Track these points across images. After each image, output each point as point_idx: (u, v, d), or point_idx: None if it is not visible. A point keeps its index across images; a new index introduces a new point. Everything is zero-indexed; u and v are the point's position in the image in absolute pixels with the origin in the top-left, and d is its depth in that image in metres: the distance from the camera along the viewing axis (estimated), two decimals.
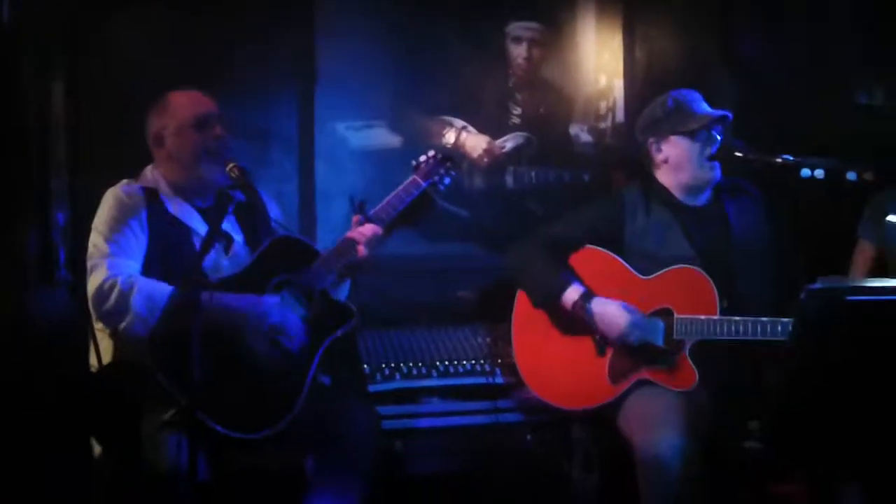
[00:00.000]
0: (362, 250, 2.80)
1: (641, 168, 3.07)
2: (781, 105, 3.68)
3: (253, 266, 2.75)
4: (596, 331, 2.89)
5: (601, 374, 2.90)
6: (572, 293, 2.88)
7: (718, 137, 2.93)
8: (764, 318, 2.72)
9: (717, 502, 2.72)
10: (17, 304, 3.02)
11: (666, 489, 2.59)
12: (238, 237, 2.86)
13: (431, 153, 3.07)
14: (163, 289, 2.60)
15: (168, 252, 2.71)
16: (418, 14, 3.71)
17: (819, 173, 2.78)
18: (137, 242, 2.70)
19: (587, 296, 2.87)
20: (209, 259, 2.74)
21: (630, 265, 2.93)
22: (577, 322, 2.91)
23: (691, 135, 2.92)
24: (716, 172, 2.94)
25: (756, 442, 2.69)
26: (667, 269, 2.88)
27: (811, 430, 2.02)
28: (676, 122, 2.94)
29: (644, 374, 2.85)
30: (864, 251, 3.09)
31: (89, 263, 2.67)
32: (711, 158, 2.92)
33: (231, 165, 2.65)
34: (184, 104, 2.79)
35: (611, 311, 2.85)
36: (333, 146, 3.65)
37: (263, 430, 2.59)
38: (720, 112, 2.93)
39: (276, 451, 2.69)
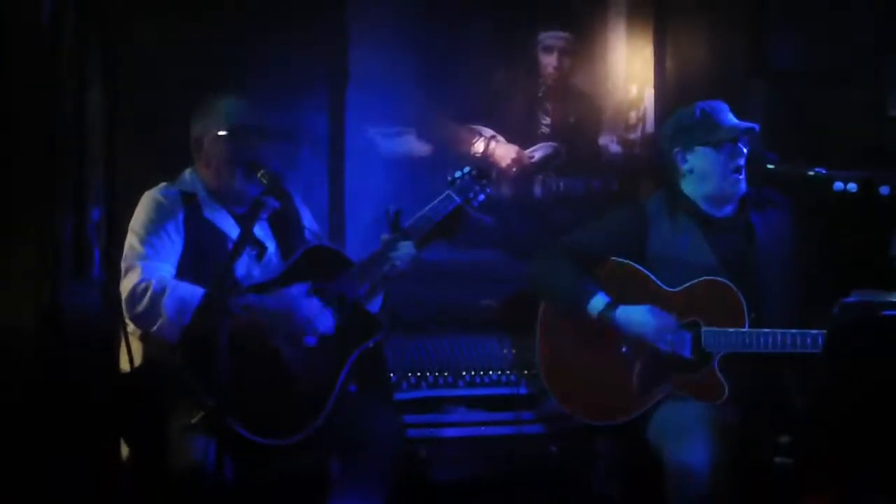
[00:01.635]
0: (398, 264, 2.81)
1: (666, 178, 3.06)
2: (814, 116, 3.65)
3: (285, 274, 2.76)
4: (623, 338, 2.87)
5: (628, 386, 2.88)
6: (597, 303, 2.87)
7: (745, 150, 2.92)
8: (793, 330, 2.69)
9: None
10: (51, 302, 3.04)
11: (694, 501, 2.57)
12: (271, 245, 2.87)
13: (467, 169, 3.08)
14: (195, 292, 2.61)
15: (202, 256, 2.73)
16: (450, 22, 3.72)
17: (852, 186, 2.75)
18: (173, 246, 2.72)
19: (612, 305, 2.86)
20: (242, 267, 2.77)
21: (655, 277, 2.92)
22: (602, 333, 2.90)
23: (717, 146, 2.90)
24: (741, 185, 2.92)
25: (786, 457, 2.67)
26: (694, 281, 2.86)
27: (842, 444, 2.00)
28: (703, 132, 2.92)
29: (672, 386, 2.83)
30: None
31: (124, 265, 2.69)
32: (738, 171, 2.90)
33: (262, 172, 2.66)
34: (224, 112, 2.80)
35: (637, 318, 2.83)
36: (363, 150, 3.66)
37: (289, 437, 2.60)
38: (747, 124, 2.91)
39: (302, 456, 2.69)
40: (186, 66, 3.35)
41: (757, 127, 2.92)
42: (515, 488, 3.18)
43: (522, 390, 3.23)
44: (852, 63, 3.70)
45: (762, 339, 2.73)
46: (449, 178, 3.07)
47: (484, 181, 3.09)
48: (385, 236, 2.88)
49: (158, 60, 3.37)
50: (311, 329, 2.66)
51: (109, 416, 2.82)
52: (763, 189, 3.01)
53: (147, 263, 2.66)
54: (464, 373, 3.23)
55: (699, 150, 2.94)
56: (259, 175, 2.66)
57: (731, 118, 2.95)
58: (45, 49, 3.06)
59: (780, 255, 2.92)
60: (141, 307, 2.60)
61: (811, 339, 2.66)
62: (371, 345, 2.77)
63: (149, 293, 2.59)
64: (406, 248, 2.84)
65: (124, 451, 2.76)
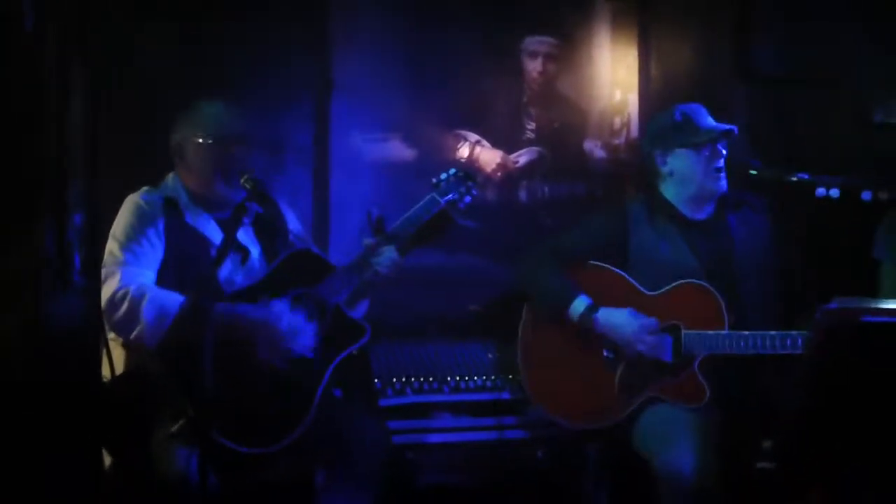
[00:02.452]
0: (379, 269, 2.80)
1: (646, 181, 3.07)
2: (797, 122, 3.67)
3: (267, 279, 2.76)
4: (605, 342, 2.88)
5: (611, 390, 2.89)
6: (578, 305, 2.87)
7: (724, 151, 2.93)
8: (773, 332, 2.72)
9: None
10: (32, 309, 3.02)
11: None
12: (255, 250, 2.86)
13: (452, 171, 3.06)
14: (174, 299, 2.60)
15: (184, 262, 2.72)
16: (434, 28, 3.71)
17: (834, 192, 2.77)
18: (154, 252, 2.71)
19: (593, 308, 2.86)
20: (225, 271, 2.76)
21: (635, 281, 2.93)
22: (584, 337, 2.91)
23: (697, 148, 2.93)
24: (721, 185, 2.94)
25: (769, 462, 2.68)
26: (673, 284, 2.88)
27: (824, 449, 2.01)
28: (683, 135, 2.94)
29: (654, 390, 2.84)
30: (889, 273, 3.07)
31: (104, 271, 2.67)
32: (718, 171, 2.92)
33: (245, 177, 2.66)
34: (207, 117, 2.80)
35: (617, 320, 2.84)
36: (348, 157, 3.65)
37: (271, 446, 2.58)
38: (726, 126, 2.94)
39: (286, 464, 2.68)
40: (170, 73, 3.33)
41: (735, 129, 2.94)
42: (501, 493, 3.18)
43: (507, 395, 3.22)
44: (836, 68, 3.72)
45: (742, 342, 2.75)
46: (434, 181, 3.05)
47: (470, 183, 3.07)
48: (367, 241, 2.86)
49: (142, 67, 3.36)
50: (291, 326, 2.65)
51: (91, 426, 2.81)
52: (742, 192, 3.03)
53: (127, 269, 2.65)
54: (448, 378, 3.22)
55: (679, 152, 2.96)
56: (242, 181, 2.66)
57: (710, 120, 2.98)
58: (27, 56, 3.04)
59: (758, 258, 2.95)
60: (119, 314, 2.59)
61: (791, 340, 2.69)
62: (354, 350, 2.76)
63: (127, 300, 2.58)
64: (389, 253, 2.83)
65: (107, 460, 2.74)
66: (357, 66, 3.65)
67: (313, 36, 3.62)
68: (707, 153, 2.93)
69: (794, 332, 2.69)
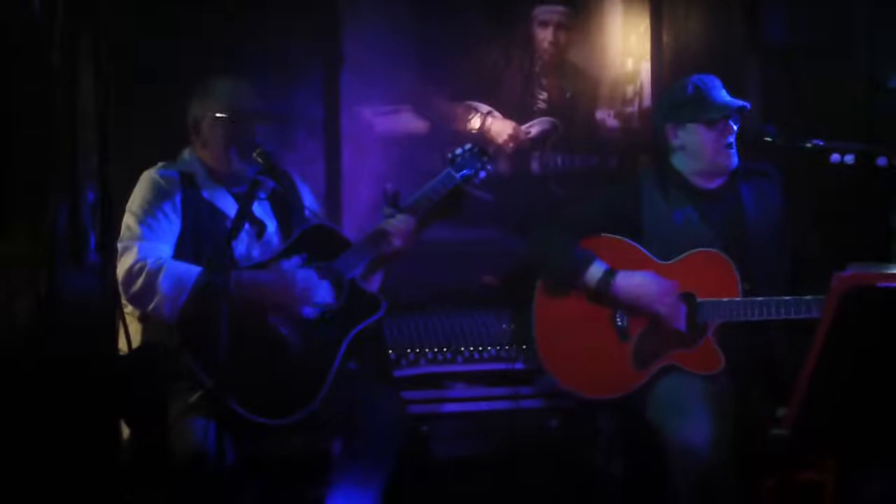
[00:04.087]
0: (396, 243, 2.80)
1: (658, 151, 3.06)
2: (810, 89, 3.64)
3: (283, 253, 2.77)
4: (622, 307, 2.88)
5: (625, 360, 2.89)
6: (595, 271, 2.87)
7: (735, 126, 2.92)
8: (787, 298, 2.72)
9: (744, 489, 2.71)
10: (46, 286, 3.04)
11: (696, 476, 2.59)
12: (271, 225, 2.88)
13: (468, 146, 3.05)
14: (191, 270, 2.62)
15: (201, 236, 2.73)
16: None
17: (849, 158, 2.75)
18: (171, 226, 2.72)
19: (611, 272, 2.86)
20: (241, 245, 2.78)
21: (648, 251, 2.93)
22: (598, 307, 2.90)
23: (709, 124, 2.90)
24: (731, 161, 2.92)
25: (783, 429, 2.68)
26: (687, 253, 2.87)
27: (837, 417, 2.01)
28: (695, 109, 2.92)
29: (668, 359, 2.84)
30: None
31: (120, 245, 2.70)
32: (728, 147, 2.90)
33: (258, 151, 2.67)
34: (222, 94, 2.81)
35: (637, 282, 2.84)
36: (359, 130, 3.65)
37: (287, 417, 2.61)
38: (739, 102, 2.91)
39: (302, 435, 2.71)
40: (181, 50, 3.33)
41: (748, 105, 2.92)
42: (515, 463, 3.20)
43: (521, 365, 3.23)
44: (847, 36, 3.68)
45: (757, 309, 2.75)
46: (449, 156, 3.04)
47: (485, 158, 3.06)
48: (386, 211, 2.87)
49: (153, 44, 3.35)
50: (308, 300, 2.67)
51: (109, 399, 2.83)
52: (755, 162, 3.01)
53: (143, 244, 2.66)
54: (463, 348, 3.23)
55: (690, 126, 2.94)
56: (255, 154, 2.67)
57: (724, 95, 2.95)
58: (37, 33, 3.04)
59: (771, 226, 2.93)
60: (136, 287, 2.61)
61: (805, 306, 2.69)
62: (370, 323, 2.77)
63: (144, 273, 2.60)
64: (406, 226, 2.83)
65: (125, 432, 2.77)
66: (367, 39, 3.63)
67: (322, 10, 3.61)
68: (719, 129, 2.91)
69: (808, 298, 2.69)
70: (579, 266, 2.89)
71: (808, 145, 2.82)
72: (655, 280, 2.84)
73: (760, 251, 2.89)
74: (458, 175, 2.99)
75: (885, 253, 3.05)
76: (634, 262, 2.91)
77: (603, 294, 2.87)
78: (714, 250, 2.85)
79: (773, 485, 2.84)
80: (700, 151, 2.94)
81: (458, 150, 3.04)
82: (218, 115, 2.78)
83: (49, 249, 3.05)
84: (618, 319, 2.92)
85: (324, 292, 2.72)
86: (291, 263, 2.72)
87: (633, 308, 2.87)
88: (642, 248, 2.93)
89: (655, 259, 2.91)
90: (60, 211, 3.13)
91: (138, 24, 3.35)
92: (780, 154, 2.94)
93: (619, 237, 2.96)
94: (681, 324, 2.84)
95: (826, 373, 1.96)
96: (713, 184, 2.98)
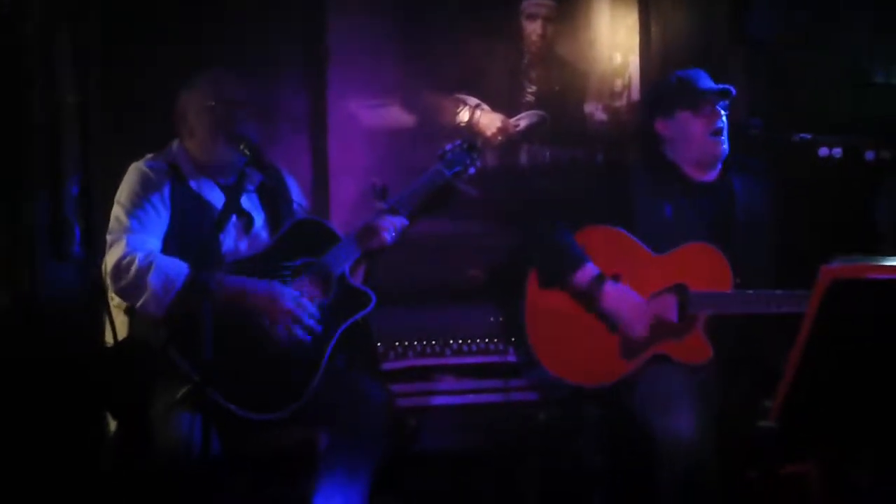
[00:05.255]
0: (386, 239, 2.80)
1: (650, 145, 3.07)
2: (797, 83, 3.65)
3: (272, 248, 2.76)
4: (604, 316, 2.89)
5: (614, 350, 2.90)
6: (585, 274, 2.88)
7: (723, 112, 2.93)
8: (777, 292, 2.73)
9: (729, 481, 2.72)
10: (30, 279, 3.03)
11: (682, 468, 2.60)
12: (259, 218, 2.86)
13: (458, 142, 3.05)
14: (180, 268, 2.60)
15: (189, 228, 2.71)
16: None
17: (837, 152, 2.76)
18: (159, 218, 2.71)
19: (600, 278, 2.87)
20: (229, 240, 2.77)
21: (643, 242, 2.93)
22: (588, 299, 2.91)
23: (696, 110, 2.92)
24: (722, 147, 2.94)
25: (769, 421, 2.69)
26: (680, 245, 2.88)
27: (823, 409, 2.01)
28: (681, 98, 2.94)
29: (657, 349, 2.85)
30: (889, 233, 3.07)
31: (109, 238, 2.68)
32: (718, 133, 2.91)
33: (244, 143, 2.65)
34: (210, 85, 2.79)
35: (619, 297, 2.85)
36: (346, 124, 3.64)
37: (275, 412, 2.60)
38: (722, 86, 2.93)
39: (289, 429, 2.70)
40: (165, 40, 3.31)
41: (733, 89, 2.93)
42: (504, 456, 3.20)
43: (510, 358, 3.23)
44: (835, 28, 3.69)
45: (747, 301, 2.76)
46: (439, 152, 3.04)
47: (474, 154, 3.06)
48: (376, 206, 2.86)
49: (136, 35, 3.34)
50: (294, 308, 2.66)
51: (94, 392, 2.82)
52: (743, 156, 3.03)
53: (133, 236, 2.64)
54: (451, 341, 3.23)
55: (678, 116, 2.95)
56: (241, 147, 2.65)
57: (709, 83, 2.97)
58: (14, 23, 3.02)
59: (761, 220, 2.95)
60: (125, 281, 2.59)
61: (795, 299, 2.69)
62: (356, 319, 2.76)
63: (134, 267, 2.58)
64: (397, 220, 2.83)
65: (110, 426, 2.76)
66: (353, 32, 3.62)
67: (309, 3, 3.59)
68: (706, 114, 2.92)
69: (798, 292, 2.70)
70: (569, 266, 2.89)
71: (796, 139, 2.83)
72: (636, 304, 2.84)
73: (751, 245, 2.90)
74: (448, 172, 2.98)
75: (871, 245, 3.07)
76: (629, 254, 2.92)
77: (590, 298, 2.88)
78: (707, 243, 2.85)
79: (759, 477, 2.84)
80: (690, 139, 2.95)
81: (448, 147, 3.04)
82: (205, 104, 2.76)
83: (30, 243, 3.04)
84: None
85: (310, 314, 2.69)
86: (281, 287, 2.68)
87: (610, 318, 2.89)
88: (637, 240, 2.93)
89: (650, 251, 2.92)
90: (43, 203, 3.12)
91: (122, 18, 3.34)
92: (768, 148, 2.95)
93: (614, 228, 2.96)
94: (672, 315, 2.85)
95: (812, 365, 1.96)
96: (707, 176, 2.99)
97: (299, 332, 2.66)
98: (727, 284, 2.81)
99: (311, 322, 2.67)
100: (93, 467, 2.92)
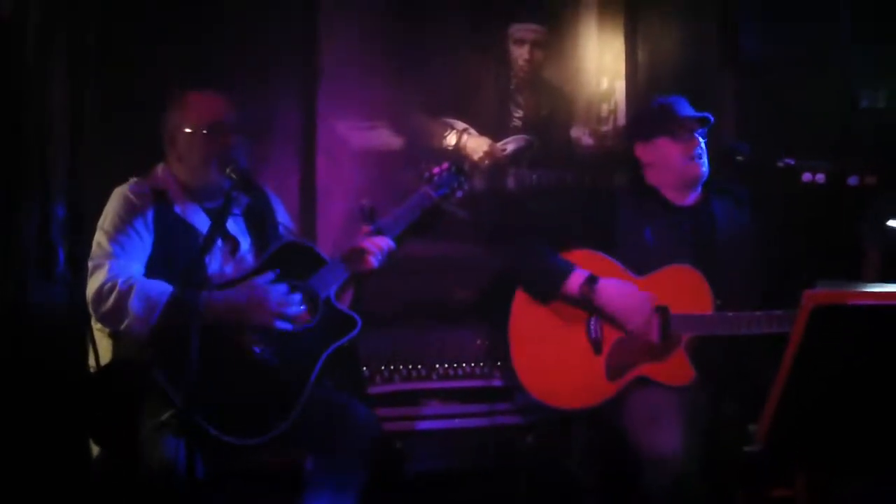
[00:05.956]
0: (372, 262, 2.80)
1: (632, 169, 3.11)
2: (783, 108, 3.68)
3: (257, 271, 2.74)
4: (602, 314, 2.89)
5: (599, 373, 2.90)
6: (577, 278, 2.89)
7: (702, 139, 2.99)
8: (758, 313, 2.76)
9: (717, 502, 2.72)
10: (15, 302, 3.01)
11: (668, 487, 2.60)
12: (245, 241, 2.85)
13: (445, 165, 3.06)
14: (162, 289, 2.59)
15: (173, 253, 2.70)
16: (421, 15, 3.71)
17: (820, 177, 2.78)
18: (142, 243, 2.69)
19: (593, 278, 2.88)
20: (214, 263, 2.75)
21: (624, 265, 2.95)
22: (573, 320, 2.92)
23: (673, 136, 2.98)
24: (702, 171, 2.99)
25: (754, 445, 2.69)
26: (662, 268, 2.91)
27: (808, 433, 2.01)
28: (661, 124, 3.00)
29: (641, 370, 2.86)
30: (873, 258, 3.10)
31: (91, 263, 2.66)
32: (697, 157, 2.95)
33: (230, 167, 2.65)
34: (199, 107, 2.77)
35: (616, 291, 2.86)
36: (335, 145, 3.64)
37: (260, 437, 2.58)
38: (701, 114, 2.99)
39: (275, 452, 2.68)
40: (156, 61, 3.32)
41: (711, 117, 2.99)
42: (491, 479, 3.19)
43: (496, 382, 3.23)
44: (822, 54, 3.73)
45: (728, 323, 2.79)
46: (426, 175, 3.04)
47: (462, 177, 3.07)
48: (363, 228, 2.85)
49: (127, 55, 3.34)
50: (282, 314, 2.65)
51: (78, 415, 2.80)
52: (727, 183, 3.06)
53: (115, 262, 2.63)
54: (437, 365, 3.23)
55: (657, 140, 3.01)
56: (228, 171, 2.65)
57: (688, 109, 3.02)
58: (8, 45, 3.02)
59: (743, 245, 2.98)
60: (107, 307, 2.57)
61: (777, 321, 2.72)
62: (344, 342, 2.76)
63: (115, 293, 2.56)
64: (384, 243, 2.82)
65: (94, 449, 2.74)
66: (344, 54, 3.64)
67: (301, 23, 3.61)
68: (684, 140, 2.98)
69: (778, 312, 2.72)
70: (559, 275, 2.91)
71: (780, 164, 2.86)
72: (632, 292, 2.87)
73: (731, 267, 2.93)
74: (435, 194, 2.99)
75: (854, 270, 3.09)
76: (610, 276, 2.93)
77: (584, 301, 2.89)
78: (688, 266, 2.88)
79: (745, 499, 2.84)
80: (668, 164, 3.01)
81: (436, 170, 3.05)
82: (193, 128, 2.74)
83: (18, 262, 3.03)
84: (592, 332, 2.93)
85: (297, 306, 2.69)
86: (264, 279, 2.70)
87: (609, 317, 2.89)
88: (618, 262, 2.95)
89: (631, 273, 2.94)
90: (31, 224, 3.11)
91: (113, 36, 3.34)
92: (752, 173, 2.98)
93: (596, 252, 2.98)
94: (654, 336, 2.86)
95: (796, 389, 1.97)
96: (686, 200, 3.04)
97: (285, 323, 2.65)
98: (708, 306, 2.83)
99: (297, 312, 2.66)
100: (77, 489, 2.90)
